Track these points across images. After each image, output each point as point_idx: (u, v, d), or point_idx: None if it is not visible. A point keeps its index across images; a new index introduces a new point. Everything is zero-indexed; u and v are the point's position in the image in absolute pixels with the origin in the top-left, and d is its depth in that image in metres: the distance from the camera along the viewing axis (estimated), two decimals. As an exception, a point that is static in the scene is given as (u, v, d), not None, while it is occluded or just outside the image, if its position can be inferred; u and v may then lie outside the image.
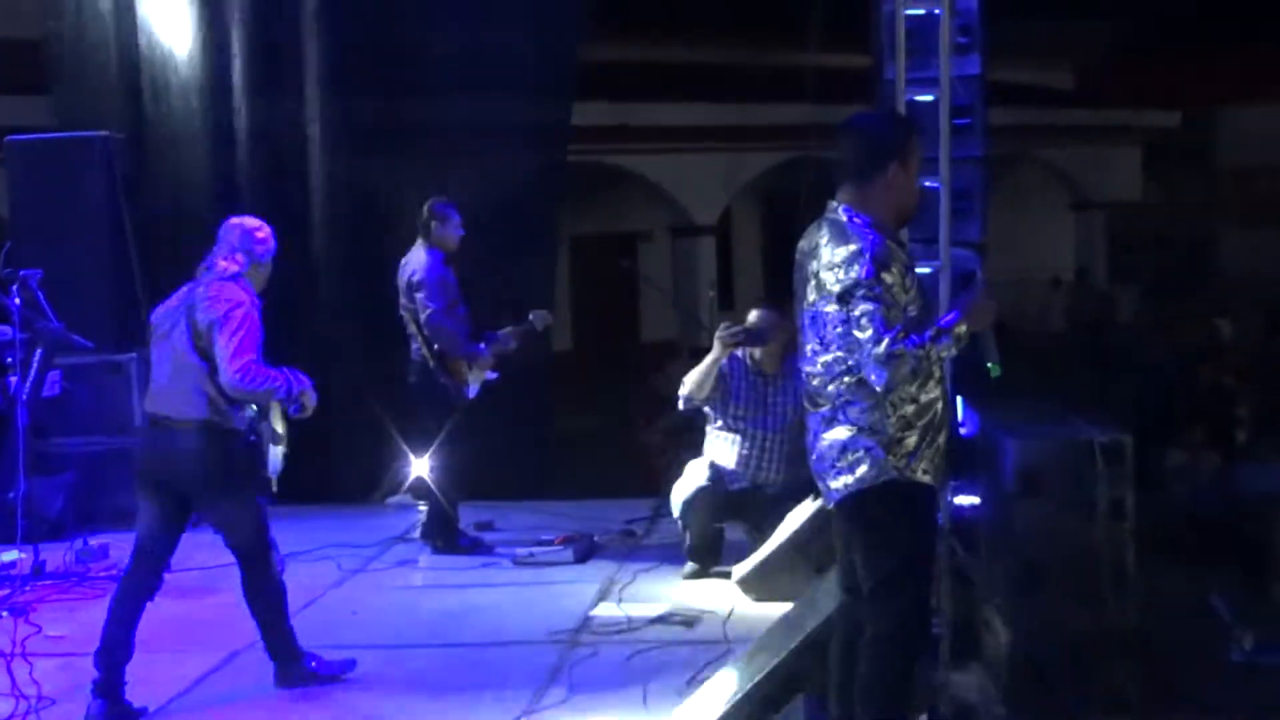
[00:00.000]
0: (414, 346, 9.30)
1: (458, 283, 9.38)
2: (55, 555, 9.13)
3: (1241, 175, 36.25)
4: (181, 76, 11.47)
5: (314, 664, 6.88)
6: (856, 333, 4.95)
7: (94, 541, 9.39)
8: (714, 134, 23.00)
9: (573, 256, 20.67)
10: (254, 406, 6.64)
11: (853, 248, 4.99)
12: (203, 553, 9.42)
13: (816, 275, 5.09)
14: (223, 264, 6.70)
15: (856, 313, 4.94)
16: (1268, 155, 34.84)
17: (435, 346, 9.17)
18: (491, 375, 9.44)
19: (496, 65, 11.74)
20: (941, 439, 5.26)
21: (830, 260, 5.03)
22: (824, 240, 5.12)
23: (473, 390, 9.32)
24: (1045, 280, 27.41)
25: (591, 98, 14.46)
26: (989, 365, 5.31)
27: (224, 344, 6.39)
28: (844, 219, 5.12)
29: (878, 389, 4.99)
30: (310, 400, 6.78)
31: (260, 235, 6.85)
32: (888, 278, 4.98)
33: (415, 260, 9.28)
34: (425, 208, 9.36)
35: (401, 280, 9.33)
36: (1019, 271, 25.17)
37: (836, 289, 4.99)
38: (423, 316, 9.13)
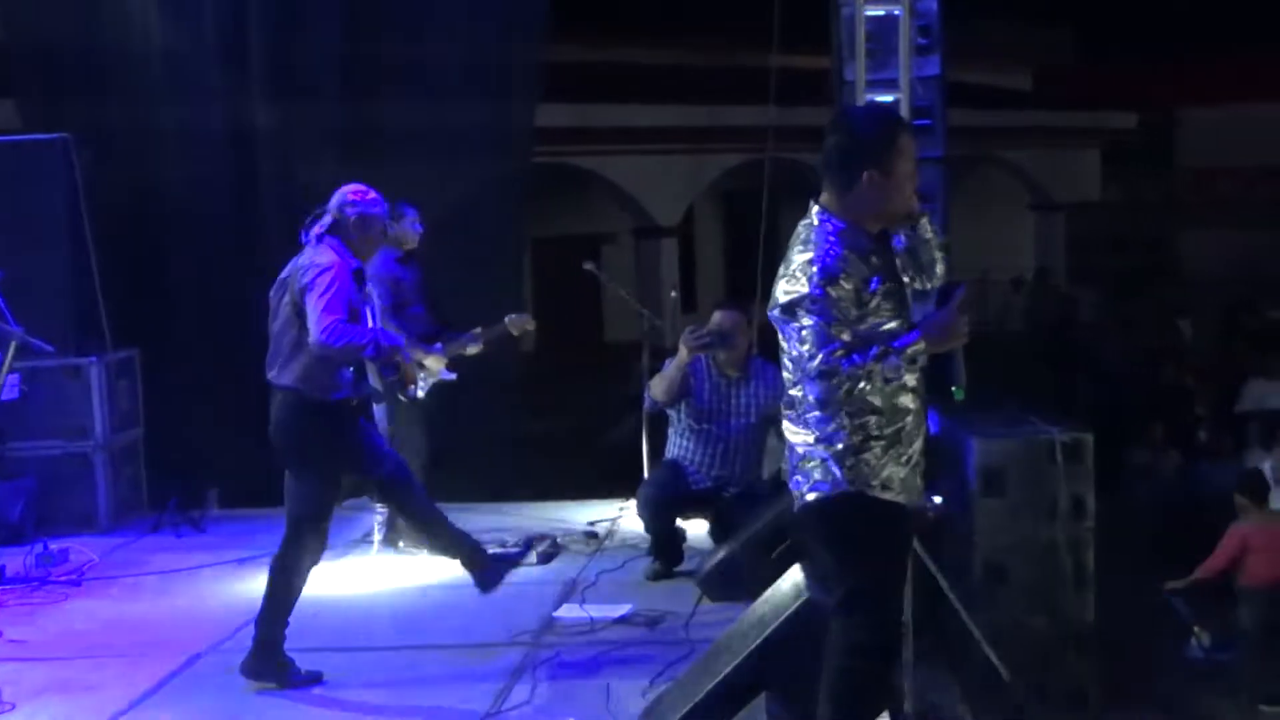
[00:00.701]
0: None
1: (415, 282, 9.33)
2: (15, 560, 9.07)
3: (1200, 176, 36.49)
4: (147, 79, 11.41)
5: (289, 669, 6.85)
6: (797, 345, 4.91)
7: (54, 546, 9.34)
8: (676, 135, 23.02)
9: (535, 259, 20.65)
10: (351, 369, 6.77)
11: (806, 257, 4.93)
12: (160, 555, 9.44)
13: (782, 279, 5.03)
14: (315, 230, 6.87)
15: (797, 325, 4.89)
16: (1225, 156, 35.09)
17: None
18: (447, 376, 9.36)
19: (461, 68, 11.71)
20: (913, 452, 5.13)
21: (785, 270, 5.01)
22: (795, 244, 5.07)
23: (418, 390, 9.23)
24: (1006, 281, 27.51)
25: (553, 99, 14.44)
26: (953, 389, 5.20)
27: (312, 306, 6.57)
28: (815, 223, 5.05)
29: (812, 401, 4.94)
30: (403, 359, 7.13)
31: (351, 195, 6.93)
32: (834, 292, 4.86)
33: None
34: None
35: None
36: (979, 272, 25.25)
37: (783, 300, 4.95)
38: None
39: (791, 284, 4.94)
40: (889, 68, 8.14)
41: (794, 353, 4.97)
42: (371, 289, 8.97)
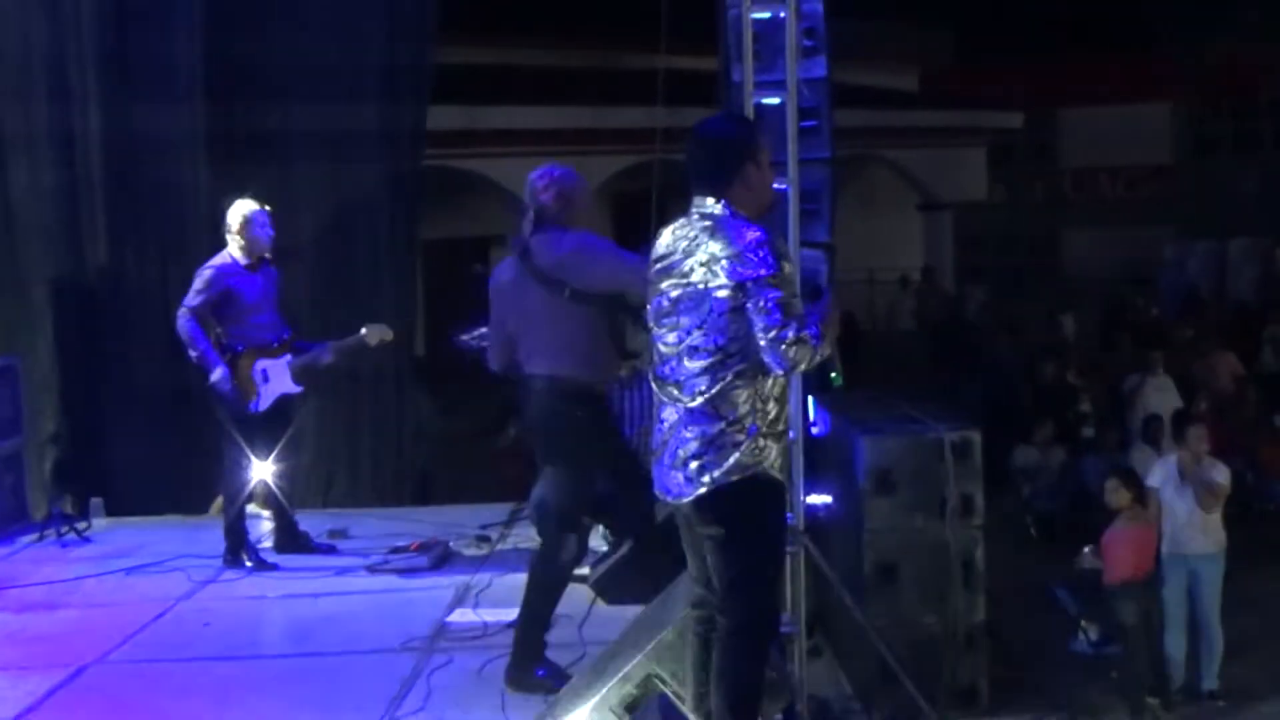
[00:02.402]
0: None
1: (266, 289, 9.16)
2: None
3: (1082, 175, 37.05)
4: (27, 80, 11.24)
5: (541, 673, 6.66)
6: (759, 320, 4.98)
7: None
8: (563, 137, 23.00)
9: (424, 262, 20.54)
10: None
11: (751, 237, 5.04)
12: (45, 566, 9.29)
13: (706, 265, 5.08)
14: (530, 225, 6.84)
15: (762, 301, 4.97)
16: (1108, 155, 35.66)
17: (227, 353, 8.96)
18: (292, 389, 9.16)
19: (350, 70, 11.66)
20: (786, 439, 5.36)
21: (723, 251, 5.05)
22: (705, 234, 5.14)
23: (261, 403, 9.00)
24: (893, 280, 27.75)
25: (441, 101, 14.38)
26: (832, 375, 5.37)
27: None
28: (725, 214, 5.16)
29: (777, 373, 5.05)
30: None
31: (537, 181, 6.88)
32: (787, 267, 5.07)
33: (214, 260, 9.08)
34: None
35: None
36: (867, 272, 25.45)
37: (732, 280, 5.01)
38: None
39: (740, 263, 5.00)
40: (775, 69, 8.17)
41: (732, 331, 5.04)
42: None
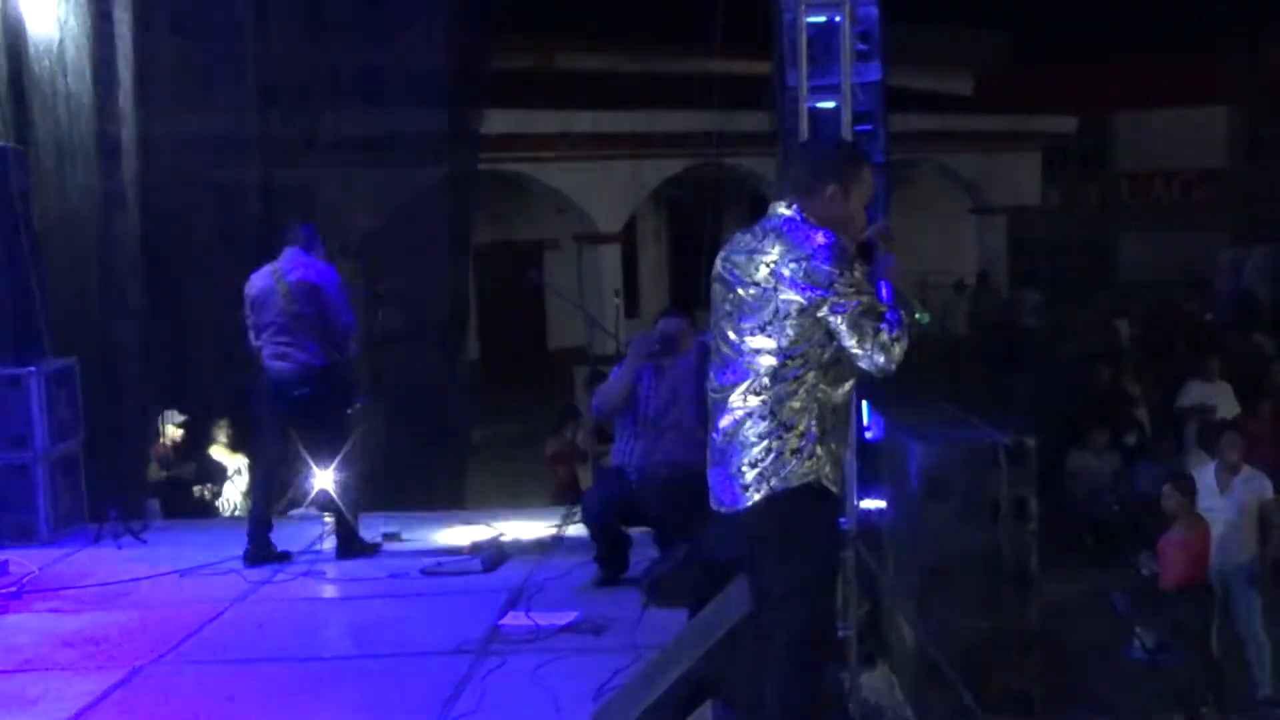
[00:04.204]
0: (305, 355, 9.17)
1: None
2: (-45, 572, 8.99)
3: (1138, 179, 36.82)
4: (69, 86, 11.31)
5: None
6: (849, 336, 4.95)
7: (-6, 558, 9.26)
8: (617, 141, 23.03)
9: (478, 265, 20.61)
10: None
11: (819, 242, 5.00)
12: (101, 567, 9.36)
13: (771, 267, 5.04)
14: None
15: (844, 317, 4.95)
16: (1163, 159, 35.43)
17: (342, 351, 9.14)
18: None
19: (405, 75, 11.71)
20: (843, 444, 5.30)
21: (790, 255, 5.01)
22: (773, 235, 5.11)
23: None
24: (947, 284, 27.64)
25: (496, 106, 14.44)
26: (917, 315, 5.31)
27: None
28: (796, 217, 5.14)
29: (875, 373, 5.02)
30: None
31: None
32: (859, 270, 5.02)
33: (306, 263, 9.18)
34: (310, 227, 9.36)
35: (287, 283, 9.18)
36: (921, 276, 25.36)
37: (803, 294, 4.97)
38: (341, 315, 9.11)
39: (812, 278, 4.95)
40: (830, 74, 8.16)
41: (799, 333, 5.00)
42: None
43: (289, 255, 9.26)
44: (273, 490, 9.71)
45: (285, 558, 9.33)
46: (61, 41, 11.24)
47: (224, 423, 12.79)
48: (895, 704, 8.77)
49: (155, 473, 12.30)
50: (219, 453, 12.96)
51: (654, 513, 8.30)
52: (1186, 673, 9.75)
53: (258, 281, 9.30)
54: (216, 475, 12.92)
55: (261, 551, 9.29)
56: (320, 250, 9.32)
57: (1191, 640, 9.70)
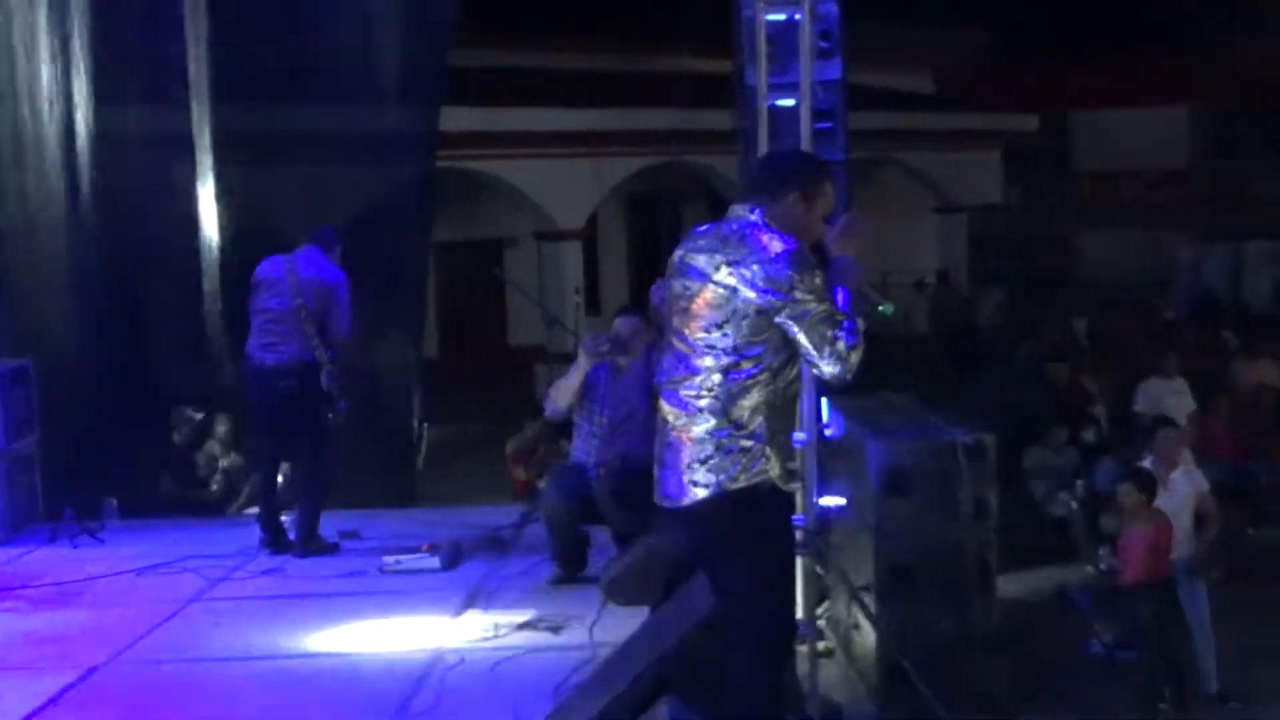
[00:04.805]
0: (296, 347, 9.16)
1: None
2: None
3: (1099, 178, 36.97)
4: (28, 84, 11.24)
5: None
6: (806, 343, 5.00)
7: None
8: (578, 139, 22.99)
9: (439, 263, 20.57)
10: None
11: (777, 249, 5.03)
12: (60, 566, 9.30)
13: (729, 268, 5.06)
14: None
15: (802, 326, 4.99)
16: (1124, 159, 35.58)
17: (330, 352, 9.12)
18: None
19: (365, 73, 11.67)
20: (792, 449, 5.33)
21: (748, 259, 5.04)
22: (733, 237, 5.13)
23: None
24: (908, 283, 27.69)
25: (455, 103, 14.39)
26: (880, 308, 5.32)
27: None
28: (758, 221, 5.16)
29: (830, 381, 5.09)
30: None
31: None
32: (818, 277, 5.05)
33: (322, 263, 9.22)
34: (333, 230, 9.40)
35: (298, 277, 9.18)
36: (882, 274, 25.41)
37: (761, 299, 5.00)
38: (342, 320, 9.12)
39: (770, 284, 4.99)
40: (790, 71, 8.18)
41: (754, 335, 5.03)
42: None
43: (306, 251, 9.31)
44: (275, 479, 9.68)
45: (292, 546, 9.40)
46: (18, 40, 11.18)
47: (223, 418, 12.73)
48: (855, 702, 8.79)
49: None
50: (216, 449, 12.90)
51: (611, 510, 8.28)
52: (1146, 670, 9.78)
53: (268, 269, 9.35)
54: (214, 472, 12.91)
55: (277, 539, 9.38)
56: (336, 254, 9.35)
57: (1151, 637, 9.73)
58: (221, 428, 12.74)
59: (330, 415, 9.30)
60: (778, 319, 5.00)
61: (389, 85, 11.84)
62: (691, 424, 5.14)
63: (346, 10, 11.67)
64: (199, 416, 12.74)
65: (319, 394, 9.18)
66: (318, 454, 9.31)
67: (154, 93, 11.41)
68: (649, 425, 7.25)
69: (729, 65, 9.09)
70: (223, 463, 12.69)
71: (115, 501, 10.70)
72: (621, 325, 8.70)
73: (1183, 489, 10.37)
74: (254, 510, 10.59)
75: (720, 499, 5.09)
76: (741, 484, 5.07)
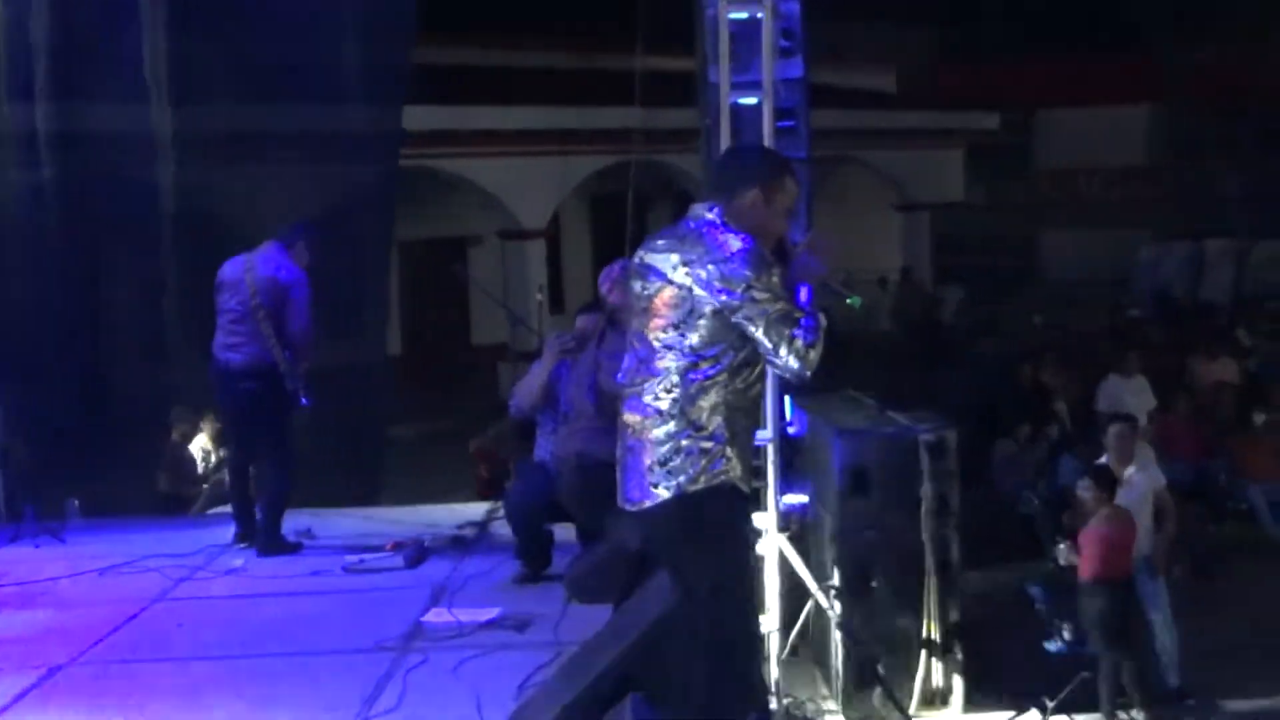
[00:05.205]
0: (257, 348, 9.15)
1: None
2: None
3: (1060, 176, 37.14)
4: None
5: None
6: (764, 343, 5.00)
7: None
8: (541, 138, 23.00)
9: (402, 262, 20.54)
10: None
11: (735, 248, 5.04)
12: (19, 567, 9.25)
13: (688, 267, 5.07)
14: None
15: (760, 325, 4.99)
16: (1085, 157, 35.75)
17: (288, 351, 9.10)
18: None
19: (327, 71, 11.65)
20: (752, 450, 5.35)
21: (706, 258, 5.06)
22: (692, 236, 5.15)
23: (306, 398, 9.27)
24: (871, 280, 27.77)
25: (418, 102, 14.38)
26: (848, 300, 5.34)
27: None
28: (717, 220, 5.17)
29: (790, 379, 5.12)
30: None
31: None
32: (775, 276, 5.05)
33: (280, 261, 9.19)
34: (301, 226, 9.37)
35: (256, 276, 9.17)
36: (845, 272, 25.48)
37: (719, 298, 5.01)
38: (298, 320, 9.09)
39: (739, 266, 5.00)
40: (752, 70, 8.20)
41: (716, 334, 5.04)
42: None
43: (267, 248, 9.28)
44: (246, 473, 9.66)
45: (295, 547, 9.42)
46: None
47: (211, 416, 12.69)
48: (818, 698, 8.82)
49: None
50: (205, 445, 12.87)
51: (571, 506, 8.29)
52: (1105, 665, 9.83)
53: (230, 270, 9.31)
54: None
55: (250, 532, 9.37)
56: (299, 249, 9.30)
57: (1109, 633, 9.78)
58: (211, 426, 12.71)
59: (293, 414, 9.29)
60: (735, 318, 5.01)
61: (352, 83, 11.82)
62: (651, 426, 5.15)
63: (309, 8, 11.63)
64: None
65: (280, 395, 9.16)
66: (279, 454, 9.29)
67: (115, 92, 11.36)
68: (601, 420, 7.28)
69: (691, 63, 9.10)
70: (213, 460, 12.67)
71: (77, 502, 10.64)
72: (585, 323, 8.70)
73: (1140, 485, 10.43)
74: (215, 511, 10.58)
75: (680, 500, 5.11)
76: (701, 486, 5.09)
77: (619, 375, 5.40)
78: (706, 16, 8.28)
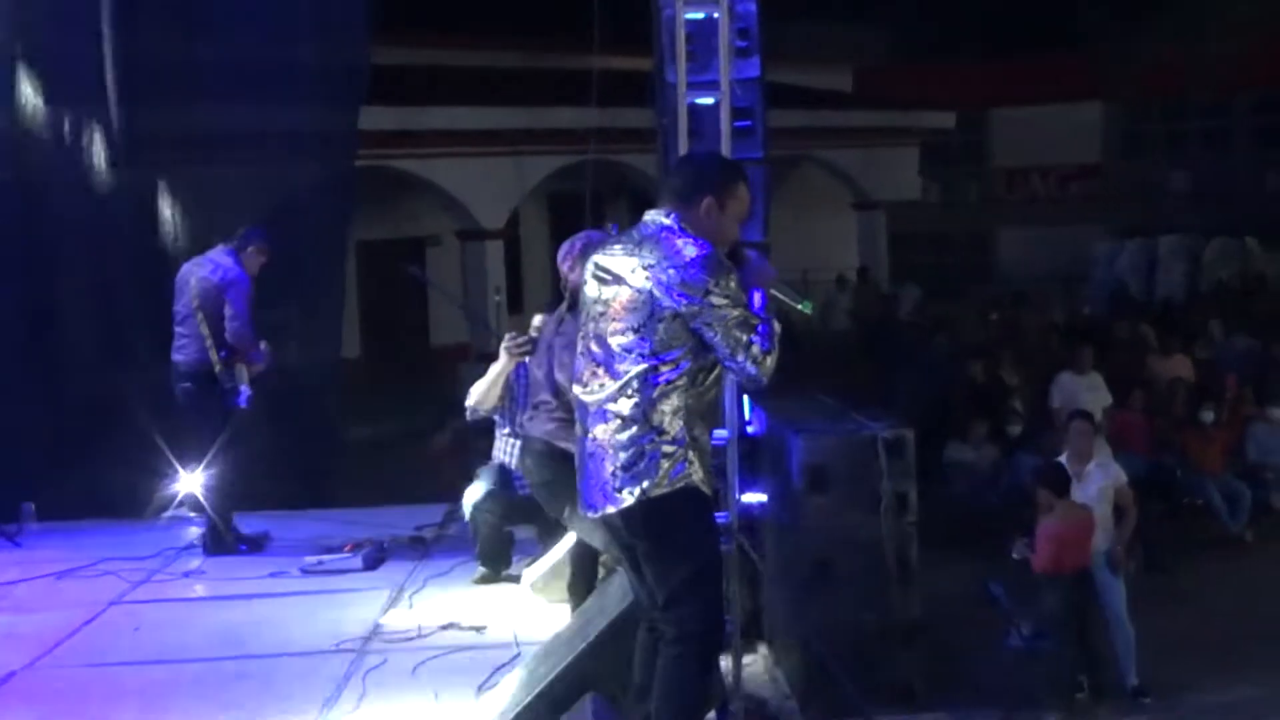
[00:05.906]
0: (195, 349, 9.16)
1: None
2: None
3: (1015, 174, 37.31)
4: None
5: None
6: (721, 349, 5.03)
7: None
8: (499, 138, 22.97)
9: (360, 262, 20.48)
10: None
11: (691, 254, 5.06)
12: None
13: (645, 271, 5.09)
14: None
15: (717, 330, 5.02)
16: (1039, 155, 35.92)
17: (224, 351, 9.11)
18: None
19: (284, 71, 11.61)
20: (710, 452, 5.36)
21: (663, 263, 5.07)
22: (649, 240, 5.16)
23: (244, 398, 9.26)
24: (828, 280, 27.84)
25: (376, 102, 14.34)
26: (801, 305, 5.39)
27: None
28: (673, 225, 5.19)
29: (746, 384, 5.28)
30: None
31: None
32: (733, 281, 5.07)
33: (220, 264, 9.21)
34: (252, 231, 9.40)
35: (197, 279, 9.20)
36: (802, 271, 25.52)
37: (676, 303, 5.03)
38: (232, 320, 9.09)
39: (685, 289, 5.02)
40: (709, 70, 8.20)
41: (673, 340, 5.06)
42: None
43: (215, 251, 9.42)
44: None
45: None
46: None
47: None
48: (779, 696, 8.83)
49: None
50: None
51: (537, 490, 8.27)
52: (1064, 662, 9.88)
53: (182, 271, 9.47)
54: None
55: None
56: (252, 254, 9.34)
57: (1063, 628, 9.84)
58: None
59: (222, 417, 9.25)
60: (693, 324, 5.03)
61: (308, 83, 11.79)
62: (613, 432, 5.16)
63: (264, 8, 11.58)
64: None
65: (210, 399, 9.18)
66: (218, 455, 9.26)
67: (70, 93, 11.29)
68: (547, 403, 7.25)
69: (649, 63, 9.10)
70: None
71: (33, 505, 10.58)
72: (543, 323, 8.67)
73: (1098, 481, 10.49)
74: (168, 514, 10.51)
75: (644, 505, 5.13)
76: (664, 489, 5.11)
77: (574, 378, 5.40)
78: (663, 16, 8.28)
